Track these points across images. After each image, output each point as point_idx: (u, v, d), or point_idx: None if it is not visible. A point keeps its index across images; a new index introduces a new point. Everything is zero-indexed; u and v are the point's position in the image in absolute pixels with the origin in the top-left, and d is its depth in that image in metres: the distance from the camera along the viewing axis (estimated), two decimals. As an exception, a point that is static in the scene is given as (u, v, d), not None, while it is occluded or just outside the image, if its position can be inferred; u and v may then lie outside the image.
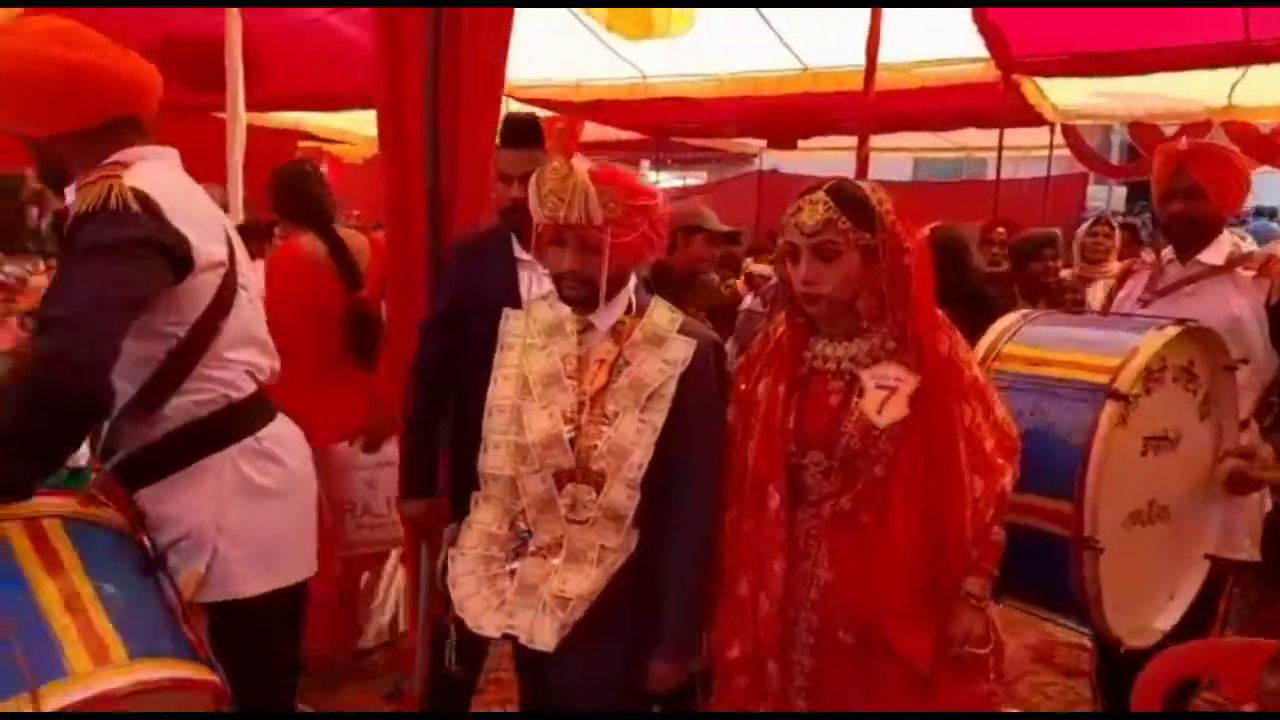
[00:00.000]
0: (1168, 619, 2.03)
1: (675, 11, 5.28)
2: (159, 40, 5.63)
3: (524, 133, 2.15)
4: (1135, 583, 1.95)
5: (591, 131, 8.84)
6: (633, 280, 1.70)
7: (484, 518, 1.70)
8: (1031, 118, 6.59)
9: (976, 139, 8.23)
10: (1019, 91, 5.86)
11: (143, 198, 1.49)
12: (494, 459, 1.68)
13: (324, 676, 3.00)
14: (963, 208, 7.05)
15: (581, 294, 1.62)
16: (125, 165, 1.54)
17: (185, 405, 1.62)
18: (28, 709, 1.19)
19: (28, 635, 1.27)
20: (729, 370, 1.83)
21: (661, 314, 1.68)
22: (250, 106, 5.68)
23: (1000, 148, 6.21)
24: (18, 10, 3.01)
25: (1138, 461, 1.91)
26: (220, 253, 1.63)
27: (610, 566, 1.60)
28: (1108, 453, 1.76)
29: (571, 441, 1.61)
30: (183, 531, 1.61)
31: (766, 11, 5.60)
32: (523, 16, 6.38)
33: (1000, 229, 4.70)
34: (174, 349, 1.59)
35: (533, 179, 1.56)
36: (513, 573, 1.64)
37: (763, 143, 9.31)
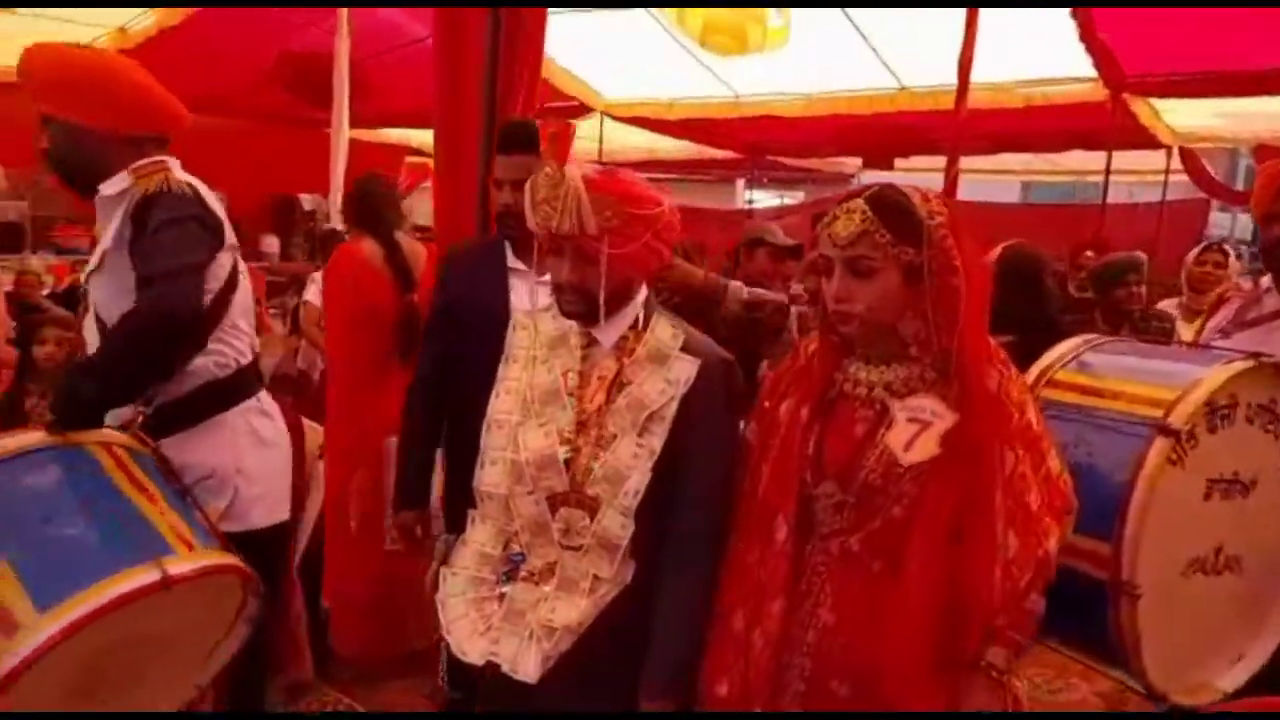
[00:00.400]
0: (1232, 680, 1.85)
1: (769, 27, 5.22)
2: (274, 58, 6.02)
3: (516, 138, 2.10)
4: (1191, 635, 1.79)
5: (688, 150, 8.87)
6: (642, 293, 1.60)
7: (479, 537, 1.64)
8: (1145, 140, 6.24)
9: (1086, 162, 7.82)
10: (1129, 112, 5.55)
11: (191, 186, 1.86)
12: (490, 476, 1.60)
13: (368, 673, 3.07)
14: (1071, 232, 6.71)
15: (580, 307, 1.52)
16: (162, 164, 1.89)
17: (207, 365, 1.92)
18: (155, 574, 1.48)
19: (137, 523, 1.59)
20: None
21: (664, 330, 1.57)
22: (359, 123, 5.98)
23: (1107, 170, 5.86)
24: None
25: (1198, 505, 1.75)
26: (232, 237, 1.96)
27: (602, 598, 1.50)
28: (1154, 492, 1.62)
29: (567, 463, 1.52)
30: (205, 473, 1.89)
31: (864, 28, 5.51)
32: (617, 34, 6.45)
33: (1089, 253, 4.40)
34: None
35: (527, 185, 1.49)
36: (502, 596, 1.57)
37: (859, 162, 9.12)
